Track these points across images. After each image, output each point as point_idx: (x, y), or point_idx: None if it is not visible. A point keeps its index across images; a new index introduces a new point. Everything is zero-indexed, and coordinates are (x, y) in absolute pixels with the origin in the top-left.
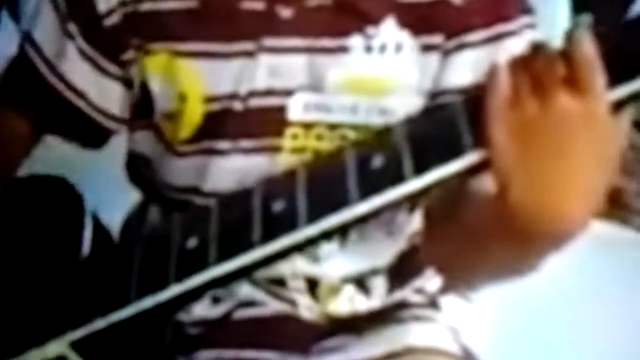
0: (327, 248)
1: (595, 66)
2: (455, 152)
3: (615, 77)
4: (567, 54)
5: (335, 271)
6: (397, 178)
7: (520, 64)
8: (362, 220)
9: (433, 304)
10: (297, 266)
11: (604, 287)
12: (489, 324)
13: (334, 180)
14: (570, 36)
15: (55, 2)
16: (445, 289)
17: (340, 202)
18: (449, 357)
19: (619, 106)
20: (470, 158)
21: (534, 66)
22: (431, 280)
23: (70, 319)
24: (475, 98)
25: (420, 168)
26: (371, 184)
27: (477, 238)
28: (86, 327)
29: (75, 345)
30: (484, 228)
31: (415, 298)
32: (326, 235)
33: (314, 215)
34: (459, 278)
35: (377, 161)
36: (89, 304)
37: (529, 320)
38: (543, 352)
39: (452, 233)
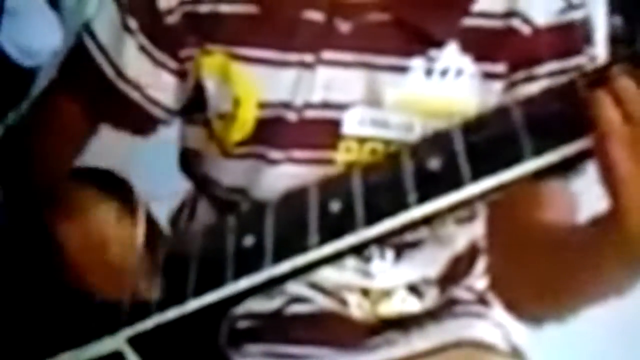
0: (380, 265)
1: None
2: (514, 158)
3: None
4: None
5: (386, 283)
6: (455, 182)
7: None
8: (420, 223)
9: (482, 301)
10: (349, 280)
11: None
12: None
13: (390, 183)
14: None
15: None
16: (542, 317)
17: (398, 204)
18: (498, 353)
19: None
20: (529, 165)
21: None
22: (480, 279)
23: (126, 315)
24: (535, 104)
25: (479, 173)
26: (428, 187)
27: (585, 259)
28: (143, 323)
29: (131, 341)
30: (594, 249)
31: (465, 295)
32: (382, 239)
33: (372, 217)
34: (565, 300)
35: (434, 164)
36: (146, 300)
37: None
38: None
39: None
